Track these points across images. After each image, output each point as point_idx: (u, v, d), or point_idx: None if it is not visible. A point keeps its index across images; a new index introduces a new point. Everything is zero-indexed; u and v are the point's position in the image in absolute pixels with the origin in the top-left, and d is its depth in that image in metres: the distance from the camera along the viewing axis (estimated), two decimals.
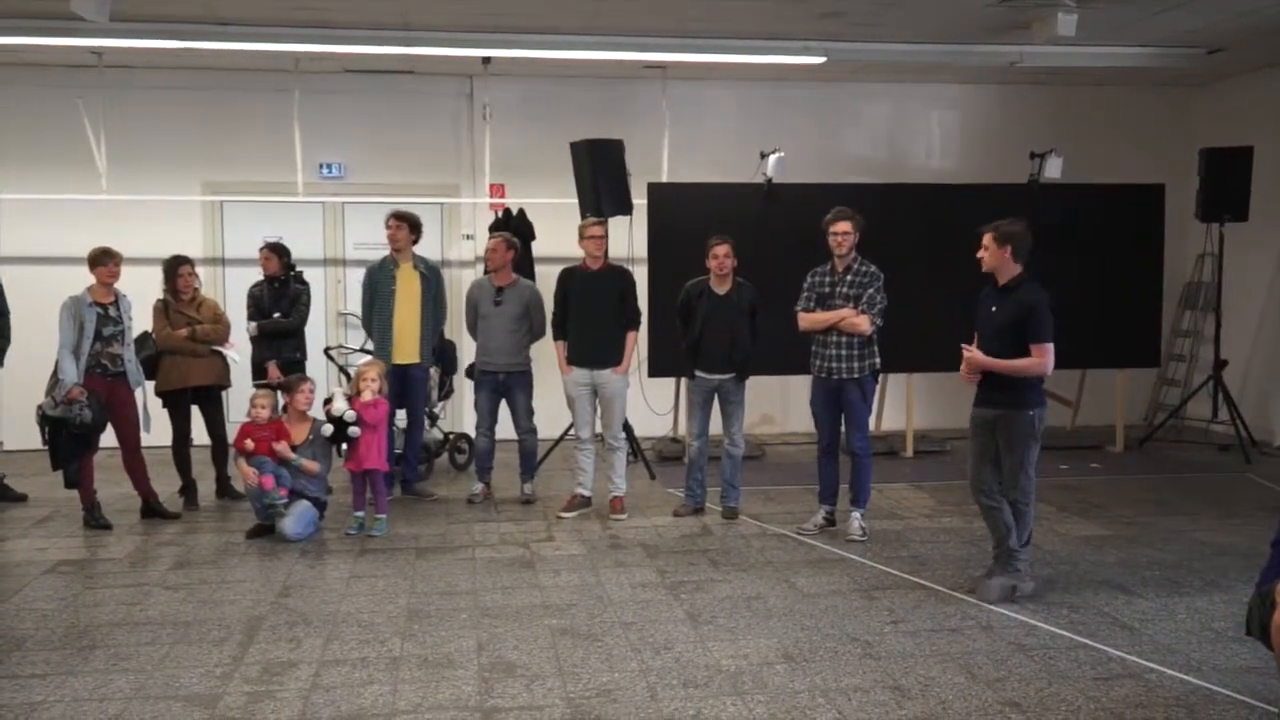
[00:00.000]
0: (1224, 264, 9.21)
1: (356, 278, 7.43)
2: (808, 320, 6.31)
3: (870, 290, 6.19)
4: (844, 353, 6.22)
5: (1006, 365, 5.18)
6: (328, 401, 6.51)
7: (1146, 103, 10.25)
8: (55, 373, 6.44)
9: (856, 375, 6.24)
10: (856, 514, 6.41)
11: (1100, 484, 7.90)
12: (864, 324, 6.14)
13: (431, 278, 7.31)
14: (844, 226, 6.21)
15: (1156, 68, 9.01)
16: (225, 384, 7.28)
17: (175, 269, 7.09)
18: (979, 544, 6.19)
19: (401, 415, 7.30)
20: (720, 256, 6.55)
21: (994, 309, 5.26)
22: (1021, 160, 9.03)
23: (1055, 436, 9.47)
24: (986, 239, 5.24)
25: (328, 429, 6.41)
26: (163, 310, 7.07)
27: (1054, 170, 8.89)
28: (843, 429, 6.44)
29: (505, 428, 7.31)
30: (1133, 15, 7.76)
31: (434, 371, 7.89)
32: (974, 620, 4.92)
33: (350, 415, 6.37)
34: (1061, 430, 9.69)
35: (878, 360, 6.33)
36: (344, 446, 6.46)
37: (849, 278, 6.25)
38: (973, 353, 5.26)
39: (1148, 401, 10.41)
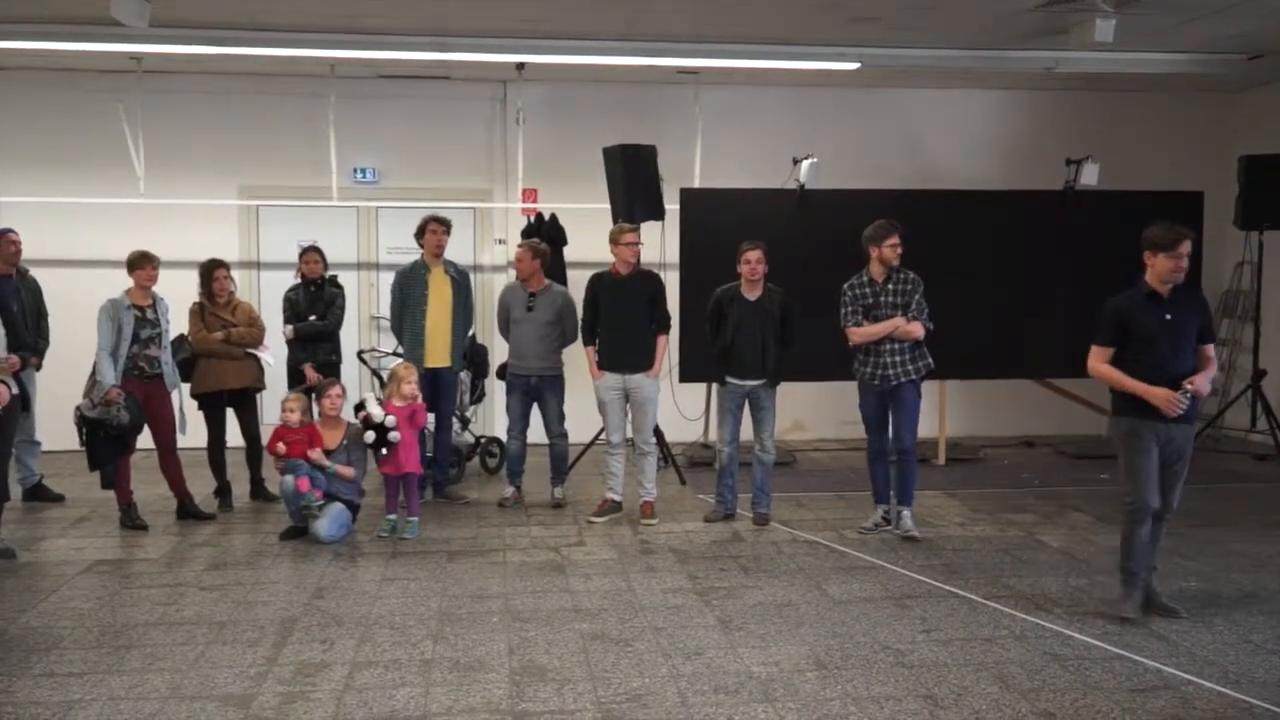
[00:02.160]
0: (1263, 272, 9.09)
1: (389, 282, 7.47)
2: (861, 334, 6.42)
3: (917, 296, 6.35)
4: (898, 358, 6.37)
5: (1207, 378, 4.96)
6: (360, 408, 6.54)
7: (1185, 109, 10.14)
8: (93, 374, 6.53)
9: (913, 377, 6.40)
10: (906, 511, 6.55)
11: None
12: (917, 330, 6.34)
13: (462, 281, 7.37)
14: (897, 239, 6.35)
15: (1195, 74, 8.91)
16: (260, 386, 7.35)
17: (211, 272, 7.17)
18: (1012, 552, 6.15)
19: (431, 418, 7.34)
20: (752, 262, 6.56)
21: (1168, 317, 4.97)
22: (1057, 167, 8.96)
23: (1092, 445, 9.40)
24: (1187, 246, 4.99)
25: (369, 436, 6.44)
26: (198, 313, 7.14)
27: (1090, 177, 8.82)
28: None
29: (536, 432, 7.34)
30: (1172, 21, 7.68)
31: (465, 375, 7.94)
32: (1007, 630, 4.88)
33: (391, 420, 6.40)
34: (1098, 439, 9.60)
35: (930, 360, 6.47)
36: (384, 451, 6.49)
37: (890, 286, 6.37)
38: (1198, 384, 4.89)
39: None
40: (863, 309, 6.42)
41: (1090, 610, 5.15)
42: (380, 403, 6.54)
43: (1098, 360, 5.15)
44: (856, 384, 6.60)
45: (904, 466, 6.55)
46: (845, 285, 6.51)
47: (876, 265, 6.43)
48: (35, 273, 7.44)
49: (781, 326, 6.65)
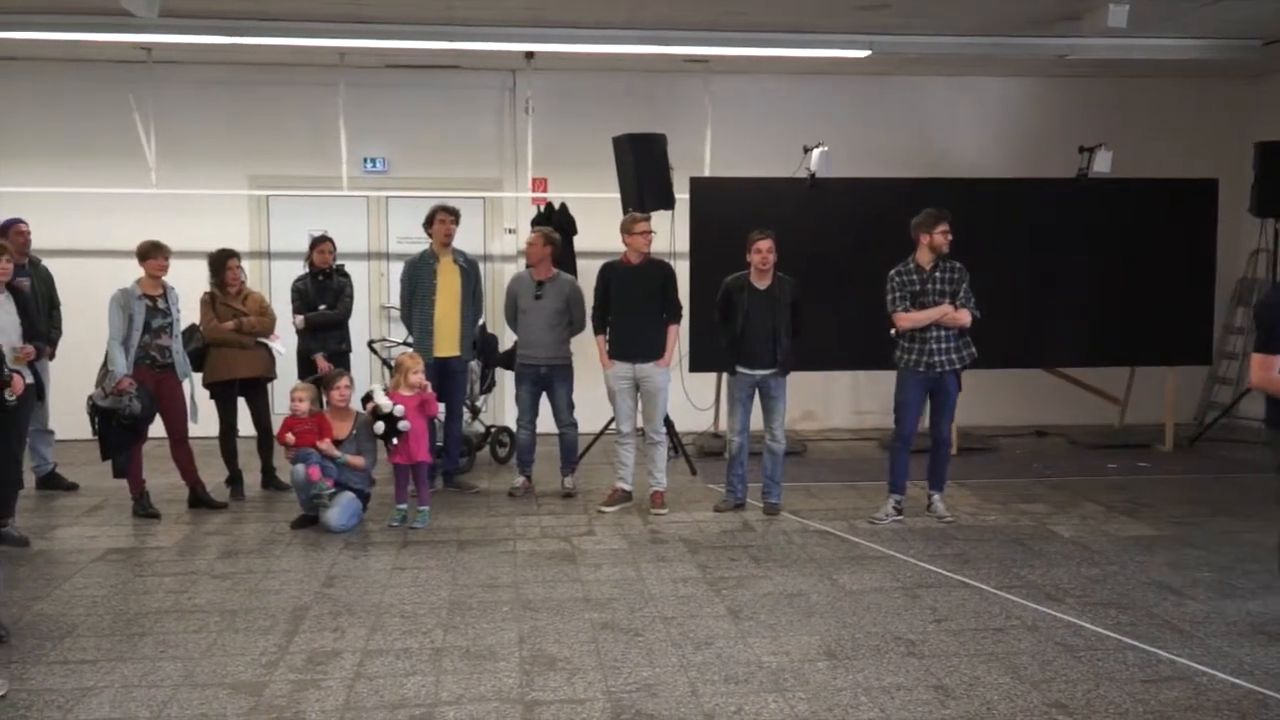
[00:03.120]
0: (1278, 260, 9.03)
1: (399, 271, 7.47)
2: (909, 320, 6.47)
3: (965, 284, 6.45)
4: (945, 345, 6.46)
5: None
6: (368, 399, 6.56)
7: (1199, 95, 10.06)
8: (105, 364, 6.55)
9: (957, 366, 6.51)
10: (938, 496, 6.70)
11: (1149, 483, 7.78)
12: (965, 318, 6.45)
13: (471, 270, 7.36)
14: (949, 225, 6.47)
15: (1210, 60, 8.83)
16: (271, 376, 7.37)
17: (223, 262, 7.19)
18: (1024, 543, 6.14)
19: (440, 407, 7.34)
20: (763, 251, 6.55)
21: None
22: (1070, 154, 8.91)
23: (1103, 435, 9.37)
24: None
25: (379, 427, 6.45)
26: (210, 303, 7.16)
27: (1103, 164, 8.76)
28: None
29: (545, 421, 7.34)
30: (1186, 6, 7.61)
31: (475, 365, 7.94)
32: (1019, 620, 4.87)
33: (399, 410, 6.41)
34: (1109, 428, 9.57)
35: (974, 350, 6.56)
36: (394, 441, 6.50)
37: (937, 274, 6.47)
38: None
39: (1198, 400, 10.24)
40: (910, 295, 6.46)
41: (1103, 600, 5.13)
42: (386, 393, 6.55)
43: (1266, 369, 4.53)
44: (896, 373, 6.63)
45: (939, 453, 6.69)
46: (891, 272, 6.55)
47: (925, 252, 6.49)
48: (47, 262, 7.49)
49: (793, 315, 6.64)
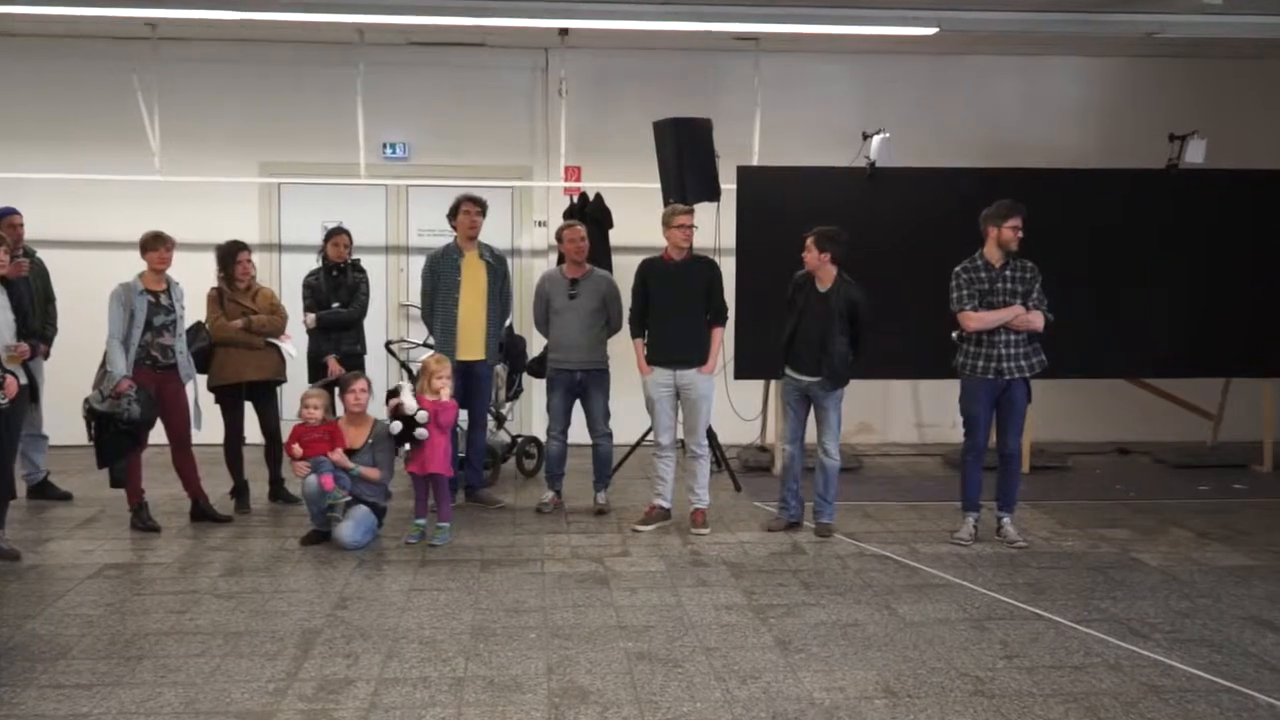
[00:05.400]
0: None
1: (420, 266, 7.50)
2: (977, 320, 6.45)
3: (1038, 285, 6.43)
4: (1014, 350, 6.44)
5: None
6: (395, 394, 6.57)
7: None
8: (103, 364, 6.61)
9: (1026, 374, 6.50)
10: (1008, 519, 6.67)
11: (1245, 507, 7.66)
12: (1038, 321, 6.42)
13: (498, 266, 7.37)
14: (1019, 221, 6.44)
15: None
16: (281, 379, 7.41)
17: (233, 255, 7.23)
18: (1105, 571, 6.07)
19: (464, 416, 7.36)
20: (807, 252, 6.67)
21: None
22: (1159, 143, 8.79)
23: (1194, 454, 9.24)
24: None
25: (396, 426, 6.47)
26: (217, 299, 7.20)
27: (1196, 154, 8.64)
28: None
29: (577, 431, 7.35)
30: None
31: (501, 369, 7.96)
32: (1099, 658, 4.80)
33: (422, 416, 6.43)
34: (1201, 447, 9.44)
35: (1044, 357, 6.54)
36: (407, 447, 6.52)
37: (1008, 273, 6.46)
38: None
39: None
40: (977, 294, 6.44)
41: (1194, 637, 5.05)
42: (414, 393, 6.55)
43: None
44: (960, 380, 6.60)
45: (1008, 470, 6.65)
46: (958, 268, 6.54)
47: (993, 248, 6.48)
48: (42, 254, 7.57)
49: (850, 325, 6.61)
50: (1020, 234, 6.42)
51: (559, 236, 7.59)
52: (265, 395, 7.37)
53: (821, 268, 6.59)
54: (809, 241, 6.64)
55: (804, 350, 6.66)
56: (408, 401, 6.47)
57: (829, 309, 6.59)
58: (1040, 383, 8.05)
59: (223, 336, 7.13)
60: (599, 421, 7.28)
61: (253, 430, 7.36)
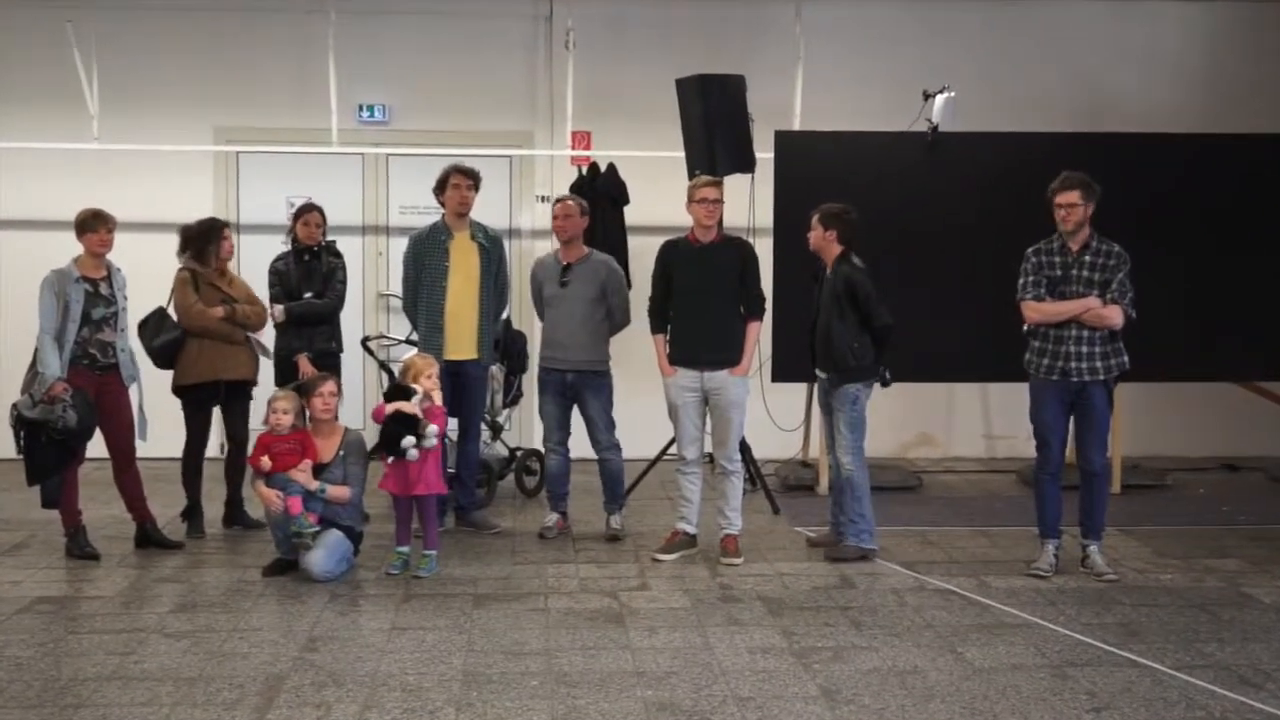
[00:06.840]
0: None
1: (402, 249, 7.50)
2: (1040, 312, 6.45)
3: (1121, 275, 6.35)
4: (1086, 349, 6.39)
5: None
6: (394, 395, 6.53)
7: None
8: (33, 364, 6.62)
9: (1102, 376, 6.44)
10: (1094, 547, 6.62)
11: None
12: (1116, 316, 6.34)
13: (493, 250, 7.38)
14: (1070, 197, 6.34)
15: None
16: (255, 380, 7.42)
17: (217, 232, 7.22)
18: (1211, 609, 6.05)
19: (453, 425, 7.36)
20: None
21: None
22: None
23: None
24: None
25: (409, 443, 6.33)
26: (190, 281, 7.14)
27: None
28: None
29: (583, 444, 7.36)
30: None
31: (497, 370, 7.98)
32: (1204, 710, 4.79)
33: (433, 430, 6.38)
34: None
35: (1125, 358, 6.47)
36: (390, 460, 6.50)
37: (1086, 258, 6.41)
38: None
39: None
40: (1047, 281, 6.43)
41: None
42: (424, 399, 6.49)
43: None
44: (1028, 383, 6.61)
45: (1092, 490, 6.61)
46: (1029, 250, 6.55)
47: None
48: None
49: (853, 308, 6.66)
50: (1075, 210, 6.29)
51: None
52: (239, 398, 7.36)
53: (827, 247, 6.71)
54: (814, 219, 6.75)
55: (815, 343, 6.85)
56: (414, 410, 6.42)
57: (829, 292, 6.74)
58: (1133, 387, 8.02)
59: (199, 325, 7.07)
60: (601, 432, 7.28)
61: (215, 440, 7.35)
